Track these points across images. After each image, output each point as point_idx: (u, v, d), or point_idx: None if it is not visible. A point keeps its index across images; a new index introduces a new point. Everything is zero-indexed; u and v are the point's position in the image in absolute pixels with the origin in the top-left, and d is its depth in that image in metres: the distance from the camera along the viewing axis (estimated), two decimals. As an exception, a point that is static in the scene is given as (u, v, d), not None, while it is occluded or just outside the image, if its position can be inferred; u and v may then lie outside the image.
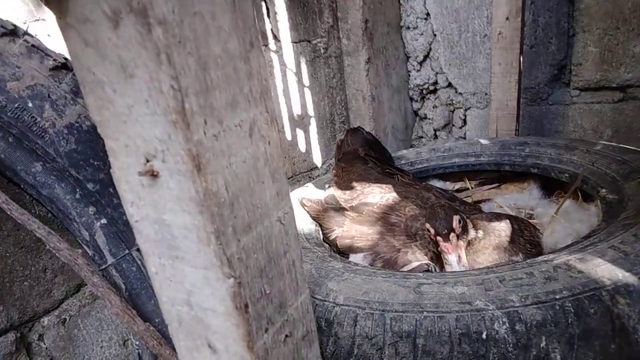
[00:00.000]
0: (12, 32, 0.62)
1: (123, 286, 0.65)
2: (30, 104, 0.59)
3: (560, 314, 0.71)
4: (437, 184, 1.67)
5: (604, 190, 1.14)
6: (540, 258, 0.87)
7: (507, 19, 1.61)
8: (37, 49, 0.62)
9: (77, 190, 0.63)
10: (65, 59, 0.65)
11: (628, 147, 1.25)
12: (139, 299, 0.66)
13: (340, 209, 1.37)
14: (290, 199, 0.44)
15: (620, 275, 0.73)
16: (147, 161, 0.35)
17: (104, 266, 0.65)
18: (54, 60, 0.62)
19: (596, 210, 1.14)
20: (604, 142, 1.32)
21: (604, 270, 0.75)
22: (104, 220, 0.64)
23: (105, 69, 0.32)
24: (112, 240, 0.65)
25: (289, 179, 1.90)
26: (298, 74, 1.86)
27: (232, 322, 0.39)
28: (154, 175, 0.35)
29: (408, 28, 2.18)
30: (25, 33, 0.62)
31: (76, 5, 0.31)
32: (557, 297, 0.72)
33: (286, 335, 0.45)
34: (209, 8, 0.33)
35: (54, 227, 1.02)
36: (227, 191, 0.36)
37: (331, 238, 1.29)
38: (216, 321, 0.41)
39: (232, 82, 0.36)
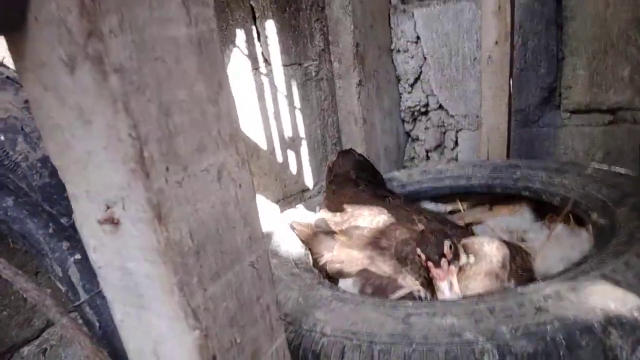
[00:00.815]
0: (-14, 63, 0.60)
1: (97, 323, 0.63)
2: (2, 137, 0.58)
3: (551, 346, 0.69)
4: (429, 205, 1.66)
5: (595, 214, 1.13)
6: (531, 286, 0.86)
7: (496, 43, 1.63)
8: (12, 81, 0.60)
9: (51, 224, 0.61)
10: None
11: (619, 170, 1.25)
12: (114, 336, 0.63)
13: (330, 233, 1.35)
14: (264, 241, 0.42)
15: (612, 305, 0.72)
16: (108, 208, 0.33)
17: (77, 303, 0.62)
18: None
19: (587, 236, 1.13)
20: (595, 166, 1.32)
21: (596, 300, 0.74)
22: (77, 256, 0.62)
23: (64, 114, 0.31)
24: (86, 275, 0.63)
25: (279, 201, 1.89)
26: (289, 96, 1.86)
27: (200, 375, 0.37)
28: (114, 223, 0.33)
29: (399, 51, 2.20)
30: (1, 64, 0.61)
31: (32, 48, 0.30)
32: (549, 328, 0.70)
33: (260, 384, 0.43)
34: (172, 53, 0.32)
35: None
36: (191, 239, 0.34)
37: (321, 263, 1.27)
38: (184, 373, 0.38)
39: (199, 126, 0.34)
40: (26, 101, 0.60)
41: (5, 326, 1.05)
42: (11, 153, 0.59)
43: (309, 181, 2.03)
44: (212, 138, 0.36)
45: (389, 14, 2.16)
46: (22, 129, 0.59)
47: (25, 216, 0.60)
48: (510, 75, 1.67)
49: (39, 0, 0.28)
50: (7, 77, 0.61)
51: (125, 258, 0.35)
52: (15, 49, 0.31)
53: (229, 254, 0.38)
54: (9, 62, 0.62)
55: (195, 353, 0.35)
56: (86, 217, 0.35)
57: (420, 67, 2.18)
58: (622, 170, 1.24)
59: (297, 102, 1.90)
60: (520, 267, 1.10)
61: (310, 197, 1.99)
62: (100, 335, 0.63)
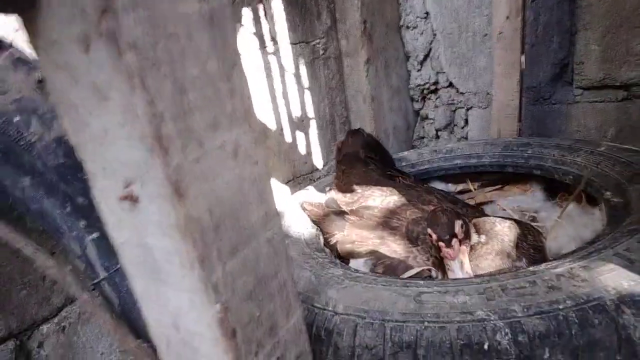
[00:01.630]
0: (-2, 44, 0.61)
1: (116, 300, 0.64)
2: (16, 118, 0.58)
3: (563, 324, 0.69)
4: (439, 185, 1.66)
5: (608, 193, 1.12)
6: (543, 265, 0.86)
7: (507, 18, 1.59)
8: (23, 62, 0.61)
9: (67, 204, 0.62)
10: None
11: (632, 147, 1.23)
12: (132, 313, 0.65)
13: (341, 213, 1.35)
14: (279, 218, 0.43)
15: (625, 284, 0.71)
16: (127, 185, 0.33)
17: (96, 280, 0.64)
18: (41, 72, 0.61)
19: (600, 214, 1.12)
20: (608, 143, 1.30)
21: (609, 279, 0.73)
22: (95, 234, 0.63)
23: (79, 92, 0.31)
24: (104, 253, 0.64)
25: (289, 181, 1.89)
26: (297, 75, 1.84)
27: (220, 348, 0.38)
28: (133, 200, 0.33)
29: (407, 28, 2.16)
30: (11, 45, 0.61)
31: (46, 27, 0.30)
32: (561, 307, 0.71)
33: (277, 358, 0.43)
34: (185, 29, 0.32)
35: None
36: (210, 215, 0.35)
37: (332, 243, 1.28)
38: (204, 346, 0.39)
39: (213, 103, 0.34)
40: (38, 82, 0.61)
41: (25, 304, 1.07)
42: (25, 134, 0.59)
43: (318, 161, 2.02)
44: (226, 115, 0.36)
45: (397, -10, 2.12)
46: (36, 110, 0.60)
47: (42, 196, 0.61)
48: (522, 51, 1.63)
49: (52, -24, 0.28)
50: (18, 58, 0.61)
51: (144, 234, 0.35)
52: (30, 27, 0.31)
53: (246, 230, 0.38)
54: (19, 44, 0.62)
55: (216, 326, 0.36)
56: (105, 194, 0.35)
57: (430, 44, 2.14)
58: (636, 148, 1.22)
59: (305, 81, 1.89)
60: (531, 246, 1.10)
61: (319, 178, 1.99)
62: (119, 312, 0.64)
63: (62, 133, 0.61)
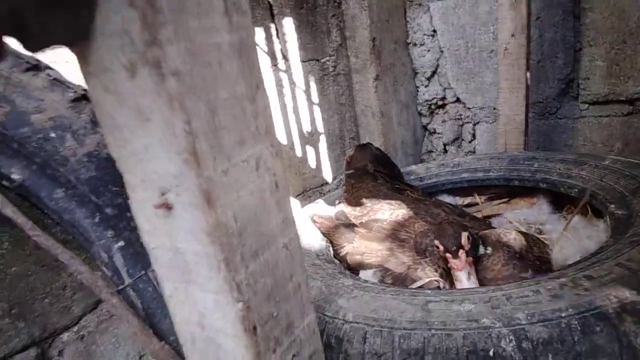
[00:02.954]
0: (36, 66, 0.66)
1: (140, 305, 0.68)
2: (52, 134, 0.63)
3: (566, 331, 0.71)
4: (447, 199, 1.68)
5: (612, 206, 1.14)
6: (546, 275, 0.88)
7: (513, 35, 1.63)
8: (58, 82, 0.66)
9: (97, 214, 0.67)
10: (85, 90, 0.69)
11: (636, 161, 1.25)
12: (155, 317, 0.69)
13: (350, 225, 1.38)
14: (295, 226, 0.47)
15: (627, 293, 0.74)
16: (162, 194, 0.38)
17: (121, 286, 0.68)
18: (75, 92, 0.66)
19: (605, 227, 1.14)
20: (613, 157, 1.32)
21: (611, 288, 0.75)
22: (121, 243, 0.67)
23: (123, 114, 0.36)
24: (129, 261, 0.68)
25: (299, 195, 1.93)
26: (307, 91, 1.90)
27: (241, 344, 0.42)
28: (168, 207, 0.38)
29: (415, 45, 2.21)
30: (47, 67, 0.66)
31: (97, 56, 0.35)
32: (563, 315, 0.73)
33: (293, 355, 0.47)
34: (217, 57, 0.36)
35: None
36: (235, 222, 0.39)
37: (341, 254, 1.31)
38: (227, 342, 0.43)
39: (240, 121, 0.39)
40: (72, 101, 0.66)
41: (47, 313, 1.11)
42: (61, 149, 0.64)
43: (327, 175, 2.06)
44: (251, 132, 0.40)
45: (404, 8, 2.18)
46: (70, 127, 0.65)
47: (74, 206, 0.66)
48: (527, 67, 1.67)
49: (105, 14, 0.33)
50: (54, 79, 0.66)
51: (176, 239, 0.39)
52: (81, 56, 0.36)
53: (266, 236, 0.42)
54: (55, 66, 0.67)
55: (239, 323, 0.40)
56: (142, 203, 0.40)
57: (437, 60, 2.19)
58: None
59: (315, 97, 1.94)
60: (537, 257, 1.12)
61: (329, 191, 2.03)
62: (143, 316, 0.68)
63: (92, 149, 0.66)
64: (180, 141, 0.34)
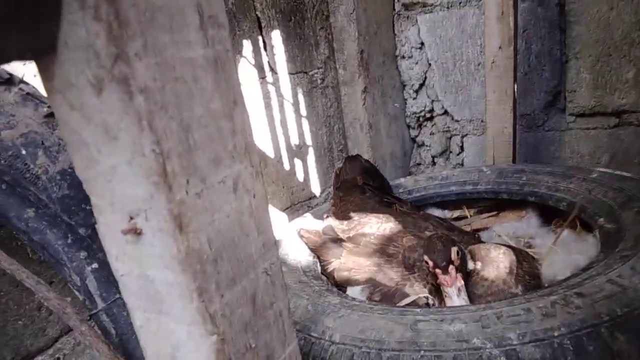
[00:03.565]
0: (8, 80, 0.63)
1: (113, 331, 0.65)
2: (23, 152, 0.60)
3: (559, 352, 0.70)
4: (436, 212, 1.67)
5: (601, 219, 1.13)
6: (537, 292, 0.87)
7: (500, 48, 1.64)
8: (32, 97, 0.63)
9: (69, 235, 0.63)
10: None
11: (624, 174, 1.25)
12: (129, 344, 0.65)
13: (338, 240, 1.36)
14: (277, 249, 0.44)
15: (618, 310, 0.72)
16: (131, 219, 0.35)
17: (94, 311, 0.64)
18: (49, 107, 0.63)
19: (594, 241, 1.13)
20: (601, 169, 1.33)
21: (602, 305, 0.74)
22: (95, 265, 0.64)
23: (90, 131, 0.33)
24: (103, 284, 0.65)
25: (287, 209, 1.90)
26: (295, 104, 1.89)
27: (217, 378, 0.39)
28: (137, 233, 0.35)
29: (403, 57, 2.22)
30: (21, 81, 0.63)
31: (61, 71, 0.32)
32: (556, 334, 0.71)
33: (274, 388, 0.44)
34: (191, 72, 0.34)
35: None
36: (210, 247, 0.36)
37: (329, 270, 1.28)
38: (202, 376, 0.40)
39: (216, 140, 0.36)
40: (46, 116, 0.63)
41: (20, 335, 1.07)
42: (32, 166, 0.61)
43: (315, 188, 2.04)
44: (228, 152, 0.38)
45: (392, 21, 2.19)
46: (42, 143, 0.62)
47: (45, 227, 0.63)
48: (515, 80, 1.68)
49: (69, 27, 0.30)
50: (27, 94, 0.63)
51: (146, 266, 0.37)
52: (44, 71, 0.34)
53: (244, 262, 0.40)
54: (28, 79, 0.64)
55: (213, 357, 0.37)
56: (109, 227, 0.37)
57: (425, 73, 2.20)
58: (628, 174, 1.25)
59: (303, 110, 1.93)
60: (527, 272, 1.10)
61: (317, 205, 2.01)
62: (117, 343, 0.64)
63: (66, 166, 0.63)
64: (149, 162, 0.32)
